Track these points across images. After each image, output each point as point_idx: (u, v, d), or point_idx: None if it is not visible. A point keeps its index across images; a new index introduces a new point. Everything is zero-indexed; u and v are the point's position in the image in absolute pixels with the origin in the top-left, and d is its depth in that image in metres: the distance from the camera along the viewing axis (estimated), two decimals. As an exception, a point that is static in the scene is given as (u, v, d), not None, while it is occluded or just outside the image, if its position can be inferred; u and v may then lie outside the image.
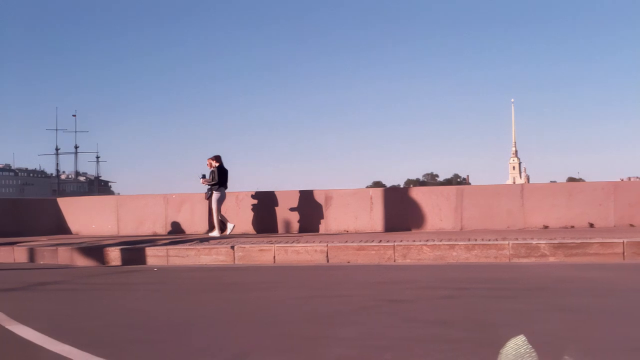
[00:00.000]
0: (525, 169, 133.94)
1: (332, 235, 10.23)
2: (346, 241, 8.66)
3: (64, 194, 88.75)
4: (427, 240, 8.32)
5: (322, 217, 11.82)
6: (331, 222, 11.41)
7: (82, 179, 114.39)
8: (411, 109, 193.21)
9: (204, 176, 11.62)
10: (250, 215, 12.09)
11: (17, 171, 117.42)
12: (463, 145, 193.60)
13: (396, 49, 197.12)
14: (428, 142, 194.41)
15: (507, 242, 7.87)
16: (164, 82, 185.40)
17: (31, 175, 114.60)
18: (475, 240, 8.22)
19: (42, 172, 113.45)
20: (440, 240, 8.26)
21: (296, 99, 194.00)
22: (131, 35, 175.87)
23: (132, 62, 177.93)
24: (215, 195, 11.24)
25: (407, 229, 10.90)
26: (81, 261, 8.96)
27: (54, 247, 9.33)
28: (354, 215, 11.26)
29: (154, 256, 8.75)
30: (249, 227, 11.98)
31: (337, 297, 5.28)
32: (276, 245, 8.53)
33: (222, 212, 11.45)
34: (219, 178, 11.34)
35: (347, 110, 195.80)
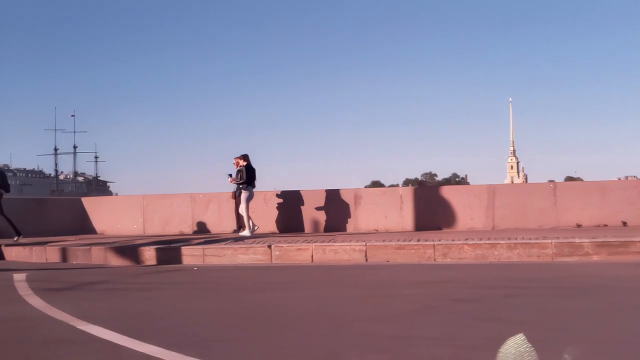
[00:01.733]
0: (523, 168, 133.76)
1: (364, 235, 10.17)
2: (384, 240, 8.59)
3: (63, 194, 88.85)
4: (466, 239, 8.25)
5: (349, 216, 11.77)
6: (361, 221, 11.36)
7: (80, 179, 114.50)
8: (409, 109, 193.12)
9: (230, 175, 11.58)
10: (279, 214, 12.04)
11: (15, 171, 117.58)
12: (461, 144, 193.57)
13: (394, 48, 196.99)
14: (426, 142, 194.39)
15: (549, 241, 7.80)
16: (163, 82, 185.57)
17: (30, 175, 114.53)
18: (516, 239, 8.14)
19: (41, 172, 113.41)
20: (480, 239, 8.19)
21: (295, 99, 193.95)
22: (130, 35, 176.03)
23: (131, 62, 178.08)
24: (244, 194, 11.18)
25: (438, 228, 10.83)
26: (115, 261, 8.92)
27: (87, 247, 9.29)
28: (384, 214, 11.20)
29: (190, 255, 8.71)
30: (276, 227, 11.93)
31: (393, 297, 5.21)
32: (314, 244, 8.47)
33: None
34: (247, 177, 11.29)
35: (346, 110, 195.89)
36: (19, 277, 6.96)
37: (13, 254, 9.79)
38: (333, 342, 3.57)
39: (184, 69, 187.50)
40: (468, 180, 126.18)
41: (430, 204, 11.04)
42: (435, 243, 8.05)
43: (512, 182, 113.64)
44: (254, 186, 11.45)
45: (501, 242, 7.91)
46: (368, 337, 3.66)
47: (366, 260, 8.13)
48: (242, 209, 11.14)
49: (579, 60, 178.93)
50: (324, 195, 12.32)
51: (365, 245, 8.24)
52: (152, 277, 7.21)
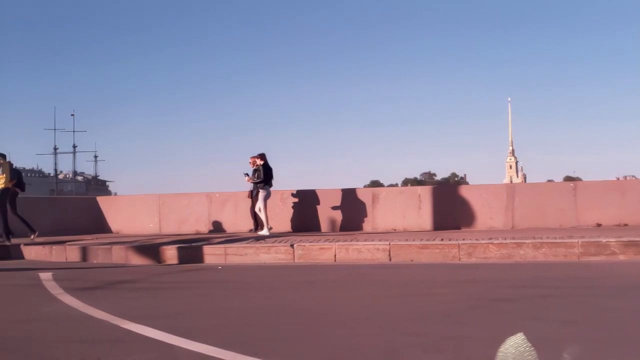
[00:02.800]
0: (522, 167, 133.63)
1: (384, 234, 10.14)
2: (406, 239, 8.56)
3: (62, 193, 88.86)
4: (490, 239, 8.21)
5: (366, 215, 11.73)
6: (378, 220, 11.32)
7: (79, 178, 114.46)
8: (408, 109, 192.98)
9: (247, 174, 11.55)
10: (295, 213, 12.01)
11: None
12: (460, 144, 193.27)
13: (393, 48, 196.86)
14: (425, 142, 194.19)
15: (575, 241, 7.75)
16: (162, 81, 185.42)
17: (29, 174, 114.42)
18: (541, 238, 8.10)
19: (40, 172, 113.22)
20: (505, 239, 8.15)
21: (294, 99, 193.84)
22: (130, 35, 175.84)
23: (131, 61, 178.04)
24: (262, 193, 11.14)
25: (457, 227, 10.79)
26: (136, 260, 8.90)
27: (108, 246, 9.27)
28: (402, 213, 11.16)
29: (212, 255, 8.68)
30: (292, 226, 11.90)
31: (430, 296, 5.17)
32: (336, 243, 8.44)
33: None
34: (265, 176, 11.26)
35: (344, 110, 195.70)
36: (45, 276, 6.93)
37: (32, 253, 9.77)
38: (385, 341, 3.54)
39: (184, 68, 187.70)
40: (467, 180, 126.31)
41: (449, 203, 11.00)
42: (460, 242, 8.01)
43: (511, 181, 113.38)
44: (271, 185, 11.41)
45: (527, 241, 7.87)
46: (419, 337, 3.63)
47: (390, 260, 8.09)
48: (260, 208, 11.10)
49: (578, 61, 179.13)
50: (340, 194, 12.28)
51: (389, 244, 8.21)
52: (179, 276, 7.18)
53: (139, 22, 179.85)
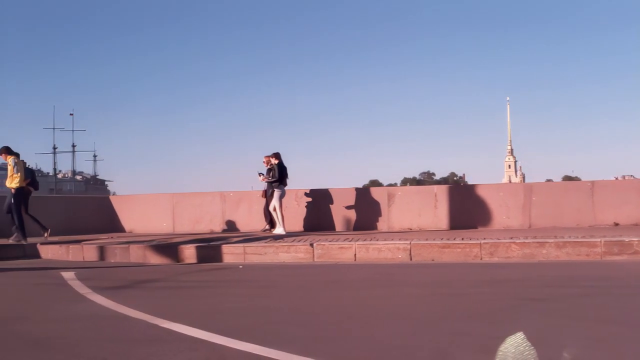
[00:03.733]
0: (520, 167, 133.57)
1: (402, 233, 10.11)
2: (427, 239, 8.52)
3: (61, 192, 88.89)
4: (512, 238, 8.18)
5: (380, 214, 11.71)
6: (394, 219, 11.29)
7: (78, 178, 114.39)
8: (407, 108, 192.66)
9: (261, 174, 11.52)
10: (308, 212, 11.98)
11: None
12: (459, 143, 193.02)
13: (391, 48, 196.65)
14: (424, 141, 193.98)
15: (598, 240, 7.71)
16: (161, 81, 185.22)
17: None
18: (563, 237, 8.07)
19: (39, 171, 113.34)
20: (526, 238, 8.11)
21: (293, 99, 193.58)
22: (129, 34, 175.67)
23: (130, 60, 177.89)
24: (277, 192, 11.11)
25: (473, 226, 10.76)
26: (155, 259, 8.87)
27: (126, 245, 9.25)
28: (418, 212, 11.14)
29: (231, 254, 8.65)
30: (307, 225, 11.87)
31: (465, 296, 5.12)
32: (356, 242, 8.40)
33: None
34: (279, 175, 11.23)
35: (343, 109, 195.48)
36: (68, 275, 6.91)
37: (49, 252, 9.75)
38: (431, 341, 3.49)
39: (183, 68, 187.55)
40: (466, 180, 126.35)
41: (465, 202, 10.97)
42: (482, 242, 7.97)
43: (510, 181, 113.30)
44: (285, 184, 11.39)
45: (549, 240, 7.83)
46: (465, 337, 3.59)
47: (410, 259, 8.06)
48: (274, 207, 11.07)
49: (577, 61, 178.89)
50: (353, 193, 12.26)
51: (410, 243, 8.17)
52: (203, 275, 7.15)
53: (138, 21, 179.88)
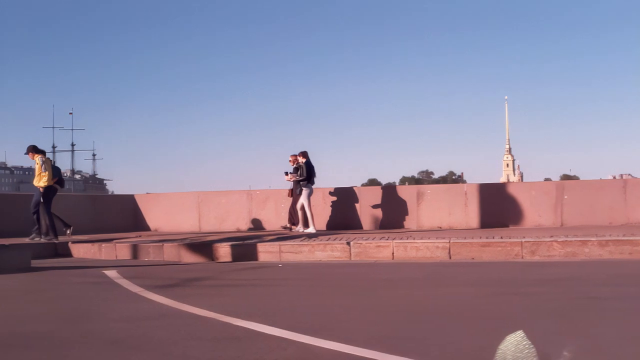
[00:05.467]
0: (519, 166, 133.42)
1: (432, 231, 10.05)
2: (465, 237, 8.46)
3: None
4: (552, 236, 8.11)
5: (407, 213, 11.65)
6: (423, 218, 11.23)
7: (77, 177, 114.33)
8: (405, 107, 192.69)
9: (287, 173, 11.47)
10: (334, 211, 11.93)
11: (12, 169, 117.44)
12: (457, 142, 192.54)
13: (389, 47, 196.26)
14: (423, 140, 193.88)
15: (642, 238, 7.65)
16: (160, 80, 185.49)
17: (27, 173, 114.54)
18: (604, 235, 8.00)
19: None
20: (567, 236, 8.04)
21: (292, 98, 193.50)
22: (128, 33, 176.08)
23: (129, 59, 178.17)
24: (305, 191, 11.06)
25: (504, 225, 10.69)
26: (189, 257, 8.83)
27: (159, 244, 9.21)
28: (448, 211, 11.08)
29: (266, 252, 8.61)
30: (332, 224, 11.81)
31: (528, 295, 5.03)
32: (394, 241, 8.34)
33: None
34: (307, 173, 11.17)
35: (342, 109, 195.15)
36: (111, 274, 6.87)
37: (81, 251, 9.72)
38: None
39: (182, 66, 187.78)
40: (464, 178, 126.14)
41: (496, 200, 10.90)
42: (523, 240, 7.91)
43: (508, 180, 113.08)
44: (313, 183, 11.34)
45: (592, 239, 7.76)
46: (554, 336, 3.53)
47: (449, 258, 8.00)
48: (303, 206, 11.02)
49: (575, 59, 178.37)
50: (379, 192, 12.22)
51: (449, 242, 8.11)
52: (248, 273, 7.11)
53: (137, 19, 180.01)
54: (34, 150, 10.81)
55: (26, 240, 10.08)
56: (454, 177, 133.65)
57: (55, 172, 11.03)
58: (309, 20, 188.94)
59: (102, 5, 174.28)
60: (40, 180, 10.43)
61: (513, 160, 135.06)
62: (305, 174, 11.12)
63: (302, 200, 11.04)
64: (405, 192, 11.65)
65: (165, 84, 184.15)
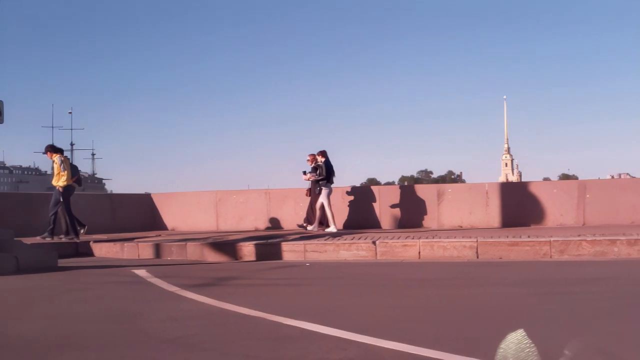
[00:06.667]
0: (517, 165, 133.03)
1: (454, 231, 10.00)
2: (491, 236, 8.41)
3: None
4: (579, 235, 8.06)
5: (426, 212, 11.60)
6: (444, 217, 11.18)
7: None
8: (404, 107, 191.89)
9: (305, 172, 11.44)
10: (352, 210, 11.89)
11: (11, 169, 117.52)
12: (456, 142, 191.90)
13: (388, 47, 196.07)
14: (421, 140, 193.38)
15: (672, 237, 7.60)
16: (160, 79, 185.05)
17: (25, 172, 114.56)
18: (631, 235, 7.94)
19: (37, 170, 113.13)
20: (594, 235, 8.00)
21: (292, 98, 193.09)
22: (128, 33, 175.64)
23: (128, 59, 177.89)
24: (325, 190, 11.03)
25: (526, 224, 10.64)
26: (212, 257, 8.81)
27: (182, 243, 9.19)
28: (469, 210, 11.03)
29: (291, 251, 8.58)
30: (350, 223, 11.77)
31: (574, 294, 4.94)
32: (420, 240, 8.30)
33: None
34: (326, 173, 11.14)
35: (342, 109, 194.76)
36: (141, 273, 6.84)
37: (103, 250, 9.70)
38: (586, 341, 3.39)
39: (181, 65, 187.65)
40: (463, 178, 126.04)
41: (517, 199, 10.86)
42: (552, 240, 7.85)
43: (507, 179, 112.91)
44: (332, 182, 11.31)
45: (621, 238, 7.71)
46: (617, 337, 3.49)
47: (477, 257, 7.95)
48: (323, 206, 10.98)
49: (574, 59, 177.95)
50: (398, 191, 12.18)
51: (477, 241, 8.06)
52: (277, 272, 7.07)
53: (136, 19, 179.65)
54: (52, 149, 10.78)
55: (37, 239, 10.02)
56: (452, 176, 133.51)
57: (73, 171, 11.01)
58: (309, 20, 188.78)
59: (102, 4, 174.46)
60: (60, 180, 10.39)
61: (512, 160, 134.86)
62: (324, 173, 11.09)
63: (322, 199, 11.00)
64: (425, 192, 11.60)
65: (164, 83, 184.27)
